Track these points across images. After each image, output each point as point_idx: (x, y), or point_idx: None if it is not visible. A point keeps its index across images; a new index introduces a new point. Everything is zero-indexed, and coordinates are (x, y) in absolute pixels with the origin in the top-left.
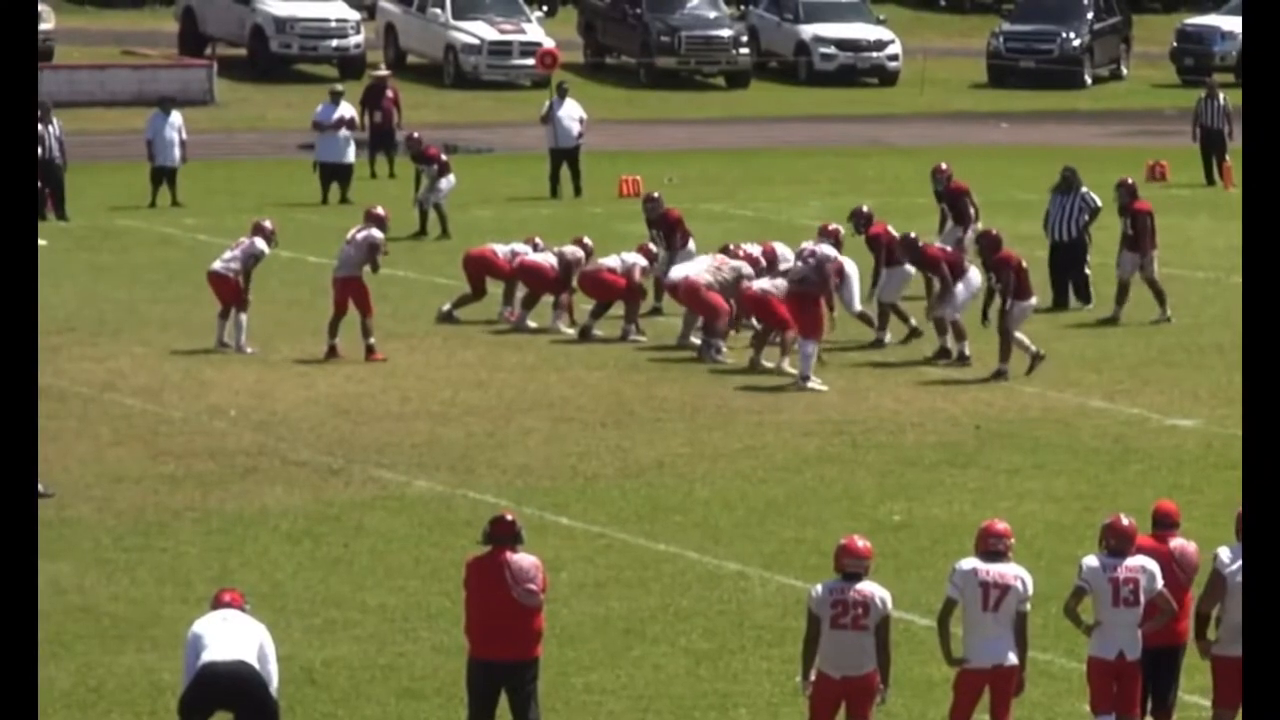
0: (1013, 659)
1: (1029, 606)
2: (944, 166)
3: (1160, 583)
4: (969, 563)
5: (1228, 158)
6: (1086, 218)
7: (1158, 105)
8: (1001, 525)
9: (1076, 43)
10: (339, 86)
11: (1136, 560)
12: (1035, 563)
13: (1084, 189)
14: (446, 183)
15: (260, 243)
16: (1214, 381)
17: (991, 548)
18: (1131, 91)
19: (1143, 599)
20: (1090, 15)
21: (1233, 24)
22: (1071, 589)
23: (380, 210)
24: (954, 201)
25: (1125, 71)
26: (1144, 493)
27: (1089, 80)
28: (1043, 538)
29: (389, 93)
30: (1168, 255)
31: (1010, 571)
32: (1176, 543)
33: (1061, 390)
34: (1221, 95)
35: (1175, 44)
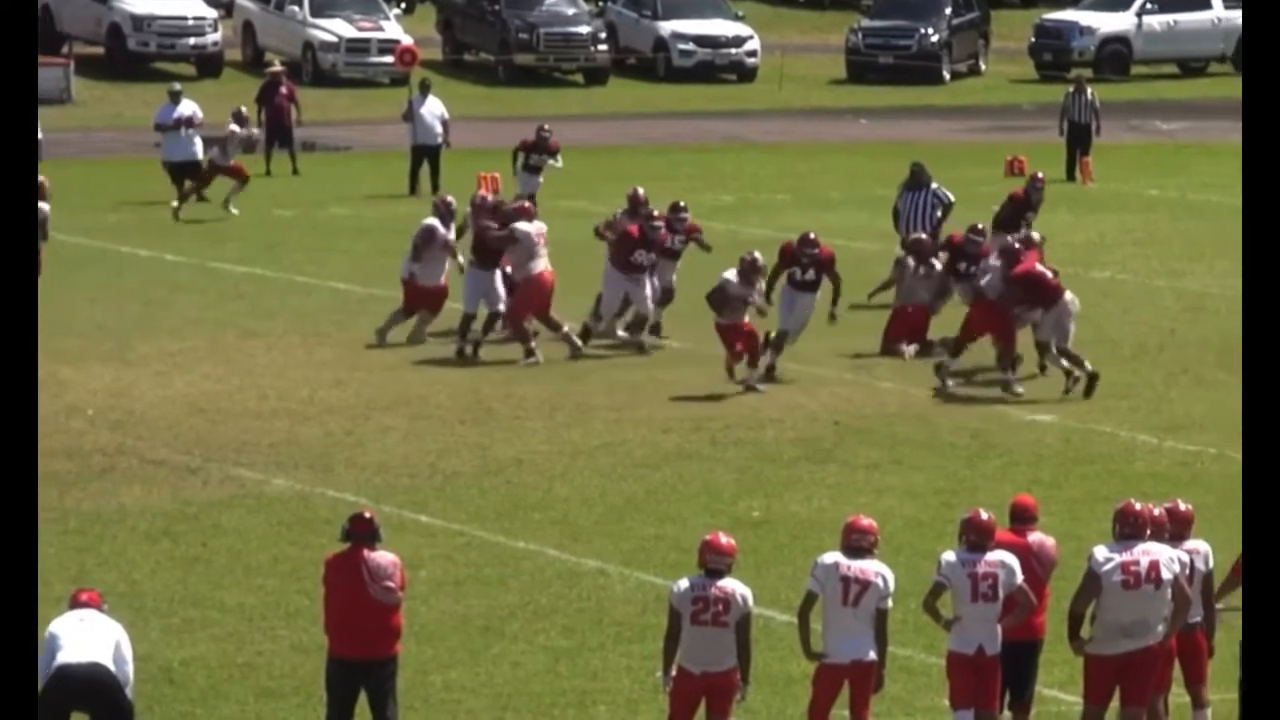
0: (872, 655)
1: (890, 603)
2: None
3: (1020, 577)
4: (831, 557)
5: (1090, 154)
6: (939, 214)
7: (1016, 101)
8: (866, 521)
9: (935, 39)
10: (176, 86)
11: (996, 555)
12: (894, 558)
13: (935, 185)
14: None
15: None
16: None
17: (855, 543)
18: (990, 87)
19: (1002, 594)
20: (948, 11)
21: (1091, 19)
22: (930, 584)
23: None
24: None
25: (984, 67)
26: (1003, 487)
27: (947, 76)
28: (902, 533)
29: (283, 89)
30: None
31: (872, 568)
32: (1035, 537)
33: (920, 386)
34: (1089, 90)
35: (1034, 39)
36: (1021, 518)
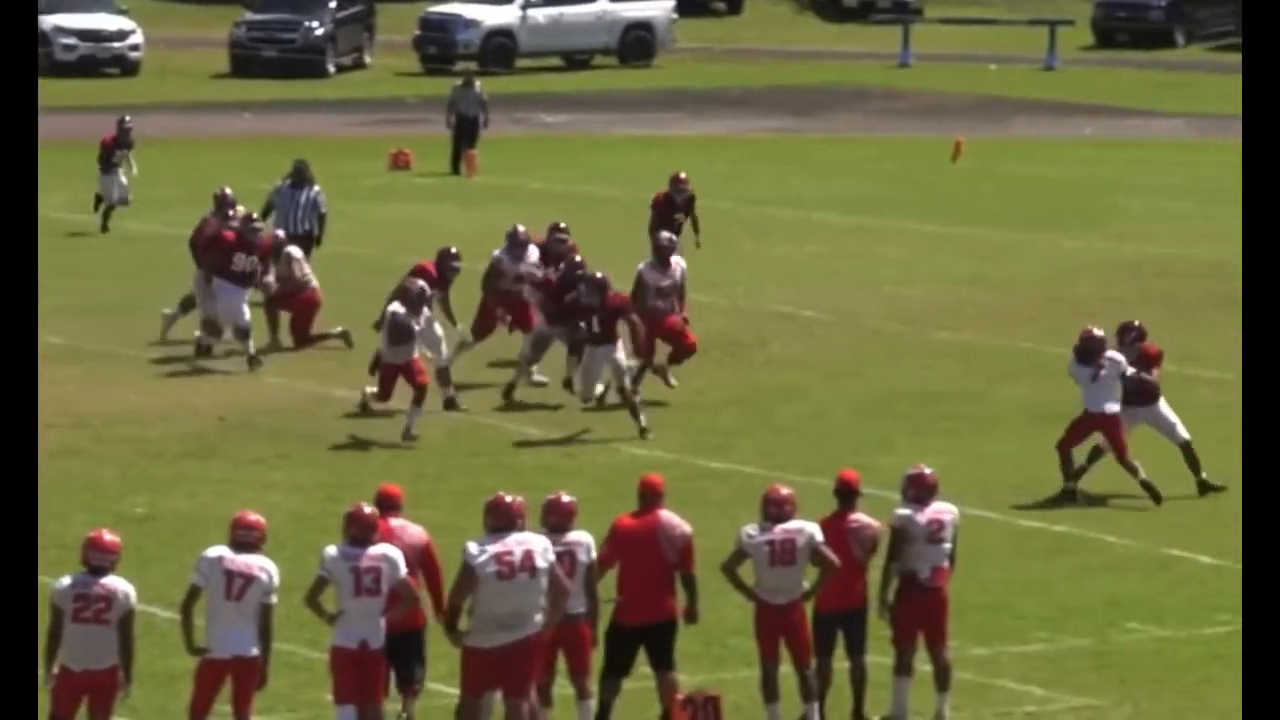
0: (255, 650)
1: (274, 598)
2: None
3: (403, 570)
4: (215, 551)
5: (476, 146)
6: (316, 222)
7: (401, 94)
8: (253, 516)
9: (319, 32)
10: None
11: (378, 549)
12: (279, 553)
13: (317, 188)
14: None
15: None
16: (460, 370)
17: (240, 539)
18: (375, 80)
19: (385, 588)
20: (333, 4)
21: (476, 12)
22: (314, 579)
23: None
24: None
25: (368, 60)
26: (389, 481)
27: (332, 69)
28: (287, 528)
29: None
30: (417, 243)
31: (256, 562)
32: (397, 522)
33: (304, 380)
34: (477, 84)
35: (418, 32)
36: (386, 505)
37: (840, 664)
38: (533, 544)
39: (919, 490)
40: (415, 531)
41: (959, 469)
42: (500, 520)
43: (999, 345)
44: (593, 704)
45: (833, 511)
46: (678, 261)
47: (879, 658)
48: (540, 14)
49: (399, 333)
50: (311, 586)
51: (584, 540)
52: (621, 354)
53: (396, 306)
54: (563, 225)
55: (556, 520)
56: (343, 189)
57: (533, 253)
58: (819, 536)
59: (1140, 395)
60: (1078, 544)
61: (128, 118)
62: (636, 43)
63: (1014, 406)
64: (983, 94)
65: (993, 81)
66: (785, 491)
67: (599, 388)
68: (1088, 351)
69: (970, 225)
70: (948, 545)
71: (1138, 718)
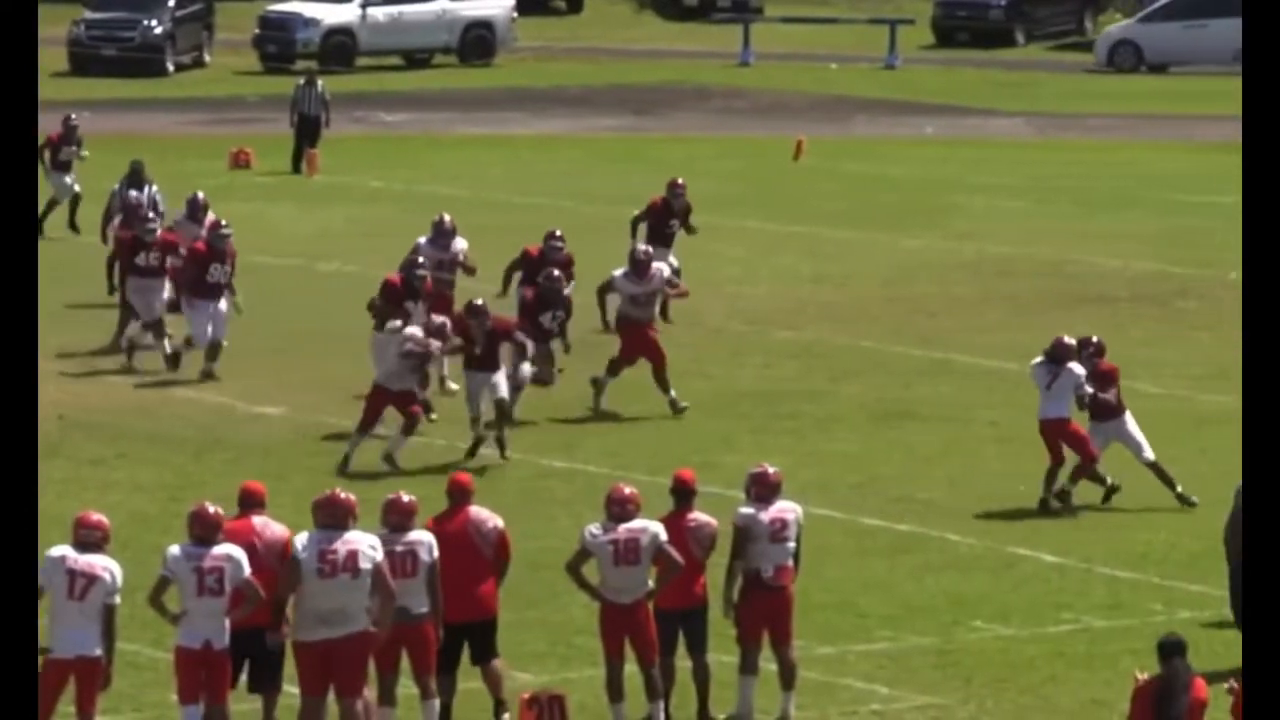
0: (98, 650)
1: (118, 599)
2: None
3: (247, 570)
4: (58, 551)
5: (318, 146)
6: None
7: (241, 93)
8: (96, 516)
9: (158, 30)
10: None
11: (222, 549)
12: (122, 553)
13: (154, 187)
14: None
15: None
16: (302, 369)
17: (83, 539)
18: (214, 79)
19: (228, 587)
20: (171, 3)
21: (315, 10)
22: (156, 579)
23: None
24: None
25: (208, 59)
26: (231, 481)
27: (171, 68)
28: (129, 527)
29: None
30: (258, 242)
31: (99, 562)
32: (259, 520)
33: (145, 380)
34: (320, 83)
35: (258, 31)
36: (248, 503)
37: (684, 663)
38: (358, 544)
39: (762, 489)
40: (277, 529)
41: (801, 468)
42: (329, 518)
43: (841, 344)
44: (436, 704)
45: (670, 511)
46: (659, 267)
47: (723, 656)
48: (380, 12)
49: (414, 360)
50: (154, 586)
51: (425, 539)
52: (503, 383)
53: (416, 332)
54: (558, 233)
55: (397, 520)
56: (183, 188)
57: (459, 243)
58: (663, 536)
59: (1104, 411)
60: (920, 542)
61: (73, 115)
62: (477, 41)
63: (855, 405)
64: (824, 93)
65: (833, 80)
66: (628, 491)
67: (483, 406)
68: (1055, 358)
69: (812, 224)
70: (791, 544)
71: (982, 716)
